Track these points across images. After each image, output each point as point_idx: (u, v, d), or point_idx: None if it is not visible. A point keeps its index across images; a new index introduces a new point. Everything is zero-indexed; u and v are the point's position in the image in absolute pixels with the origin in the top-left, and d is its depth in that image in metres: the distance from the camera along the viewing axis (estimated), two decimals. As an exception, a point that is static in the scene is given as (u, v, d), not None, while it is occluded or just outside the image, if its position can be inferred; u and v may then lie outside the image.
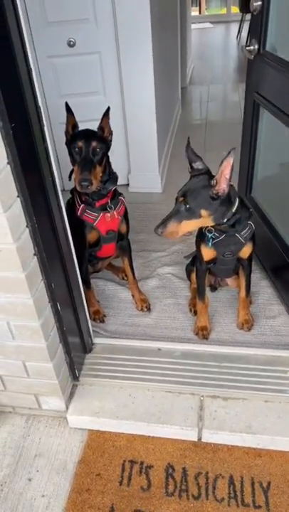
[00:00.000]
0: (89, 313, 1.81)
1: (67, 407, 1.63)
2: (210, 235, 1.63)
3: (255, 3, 1.73)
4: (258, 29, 1.79)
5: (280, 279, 2.04)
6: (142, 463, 1.51)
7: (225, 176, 1.40)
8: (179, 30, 4.44)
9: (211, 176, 1.46)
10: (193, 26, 6.72)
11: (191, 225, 1.51)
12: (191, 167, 1.52)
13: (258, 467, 1.47)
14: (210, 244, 1.64)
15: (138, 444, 1.56)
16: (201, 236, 1.72)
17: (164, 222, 1.49)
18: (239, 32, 7.65)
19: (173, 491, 1.43)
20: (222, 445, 1.54)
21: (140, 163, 3.00)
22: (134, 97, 2.74)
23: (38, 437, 1.62)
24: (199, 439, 1.55)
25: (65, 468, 1.51)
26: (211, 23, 9.34)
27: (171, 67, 3.81)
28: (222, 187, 1.43)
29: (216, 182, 1.43)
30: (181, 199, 1.47)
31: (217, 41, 8.09)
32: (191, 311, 2.02)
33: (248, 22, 7.37)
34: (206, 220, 1.50)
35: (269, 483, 1.42)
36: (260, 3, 1.72)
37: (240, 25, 7.56)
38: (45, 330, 1.41)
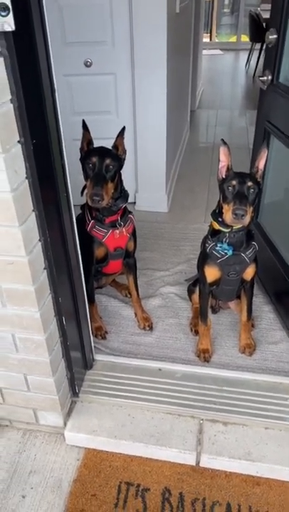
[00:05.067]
0: (91, 329, 1.80)
1: (65, 424, 1.62)
2: (220, 245, 1.64)
3: (270, 37, 1.79)
4: (272, 61, 1.85)
5: (283, 305, 2.04)
6: (138, 485, 1.48)
7: (260, 167, 1.53)
8: (192, 55, 4.56)
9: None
10: (204, 52, 6.90)
11: (250, 214, 1.50)
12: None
13: (256, 496, 1.45)
14: (225, 244, 1.63)
15: (135, 466, 1.54)
16: (204, 258, 1.73)
17: (242, 205, 1.45)
18: (248, 60, 7.85)
19: (169, 516, 1.40)
20: (220, 471, 1.51)
21: (148, 183, 3.04)
22: (145, 118, 2.79)
23: (33, 453, 1.59)
24: (197, 463, 1.53)
25: (60, 486, 1.49)
26: (221, 50, 9.59)
27: (182, 90, 3.89)
28: (259, 174, 1.55)
29: (257, 169, 1.54)
30: (249, 183, 1.49)
31: (226, 68, 8.28)
32: (192, 330, 2.02)
33: (258, 51, 7.56)
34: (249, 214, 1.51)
35: (267, 513, 1.40)
36: (275, 36, 1.78)
37: (249, 53, 7.78)
38: (49, 344, 1.40)
